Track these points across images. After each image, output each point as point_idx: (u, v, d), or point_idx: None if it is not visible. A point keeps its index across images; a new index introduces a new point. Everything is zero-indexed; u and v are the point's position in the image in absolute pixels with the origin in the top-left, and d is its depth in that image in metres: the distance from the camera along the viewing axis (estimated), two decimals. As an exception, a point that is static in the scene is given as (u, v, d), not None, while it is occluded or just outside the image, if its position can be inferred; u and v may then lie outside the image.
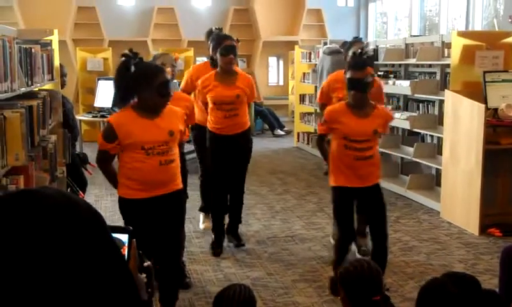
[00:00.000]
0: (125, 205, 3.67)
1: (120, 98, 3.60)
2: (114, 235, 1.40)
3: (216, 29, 5.61)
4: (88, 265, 0.94)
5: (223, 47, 5.12)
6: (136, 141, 3.52)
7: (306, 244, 5.74)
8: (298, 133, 11.80)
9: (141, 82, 3.51)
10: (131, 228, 1.42)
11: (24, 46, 3.95)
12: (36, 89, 4.51)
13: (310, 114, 11.27)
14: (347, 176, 4.33)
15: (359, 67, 4.24)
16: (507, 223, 5.94)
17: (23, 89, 3.76)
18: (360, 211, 4.75)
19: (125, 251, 1.38)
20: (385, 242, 4.45)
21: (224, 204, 5.49)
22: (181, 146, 4.12)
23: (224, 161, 5.31)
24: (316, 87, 10.20)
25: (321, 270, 5.03)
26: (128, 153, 3.58)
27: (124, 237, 1.42)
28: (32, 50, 4.15)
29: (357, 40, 5.59)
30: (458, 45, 6.45)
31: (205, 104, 5.30)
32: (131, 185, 3.60)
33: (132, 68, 3.54)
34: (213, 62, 5.41)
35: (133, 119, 3.54)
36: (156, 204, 3.63)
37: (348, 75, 4.26)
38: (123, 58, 3.59)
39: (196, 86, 5.38)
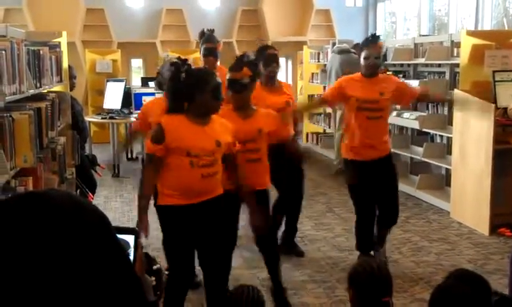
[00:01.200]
0: (164, 212, 3.59)
1: (175, 106, 3.58)
2: (120, 236, 1.40)
3: (207, 30, 5.68)
4: (93, 266, 0.94)
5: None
6: (183, 145, 3.47)
7: (316, 244, 5.73)
8: (307, 134, 11.79)
9: (195, 86, 3.50)
10: (137, 228, 1.42)
11: (33, 48, 3.97)
12: (45, 91, 4.52)
13: (318, 114, 11.25)
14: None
15: (236, 68, 4.14)
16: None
17: (31, 91, 3.77)
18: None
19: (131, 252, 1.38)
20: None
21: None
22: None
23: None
24: (325, 87, 10.20)
25: (330, 271, 5.02)
26: (173, 160, 3.50)
27: (130, 238, 1.41)
28: (41, 52, 4.16)
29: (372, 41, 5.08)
30: (467, 44, 6.42)
31: None
32: (171, 193, 3.54)
33: (183, 76, 3.54)
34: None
35: (183, 124, 3.51)
36: (197, 210, 3.55)
37: (227, 76, 4.18)
38: (173, 67, 3.62)
39: None
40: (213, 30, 5.70)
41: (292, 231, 5.55)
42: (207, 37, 5.59)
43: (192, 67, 3.71)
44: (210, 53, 5.47)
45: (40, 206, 0.94)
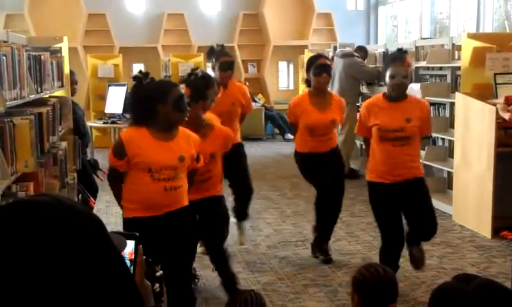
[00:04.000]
0: (129, 225, 3.52)
1: (136, 118, 3.54)
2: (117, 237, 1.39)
3: (217, 45, 5.60)
4: (87, 271, 0.93)
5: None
6: (144, 161, 3.43)
7: (317, 248, 5.71)
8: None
9: (156, 98, 3.44)
10: (137, 234, 1.41)
11: (34, 53, 3.97)
12: (46, 96, 4.53)
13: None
14: None
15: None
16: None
17: (32, 96, 3.78)
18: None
19: (127, 256, 1.38)
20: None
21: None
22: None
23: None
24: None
25: (332, 275, 5.01)
26: (134, 174, 3.49)
27: (130, 244, 1.41)
28: (42, 57, 4.17)
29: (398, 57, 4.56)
30: (468, 47, 6.42)
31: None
32: (134, 207, 3.51)
33: (145, 88, 3.51)
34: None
35: (145, 138, 3.45)
36: (161, 221, 3.51)
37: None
38: (135, 80, 3.56)
39: None
40: (223, 45, 5.66)
41: (327, 230, 5.36)
42: (222, 51, 5.48)
43: (156, 80, 3.62)
44: (230, 67, 5.38)
45: (30, 213, 0.94)
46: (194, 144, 3.65)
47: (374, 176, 4.42)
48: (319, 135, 5.09)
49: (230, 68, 5.37)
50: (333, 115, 5.07)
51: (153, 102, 3.44)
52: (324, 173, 5.14)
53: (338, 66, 8.72)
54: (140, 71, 3.60)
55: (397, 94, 4.32)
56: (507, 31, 11.24)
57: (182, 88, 3.75)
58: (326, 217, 5.26)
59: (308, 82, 5.28)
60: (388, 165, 4.34)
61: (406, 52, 4.46)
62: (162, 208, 3.50)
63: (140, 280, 1.34)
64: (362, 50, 9.31)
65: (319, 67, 5.00)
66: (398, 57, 4.38)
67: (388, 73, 4.30)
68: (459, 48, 6.94)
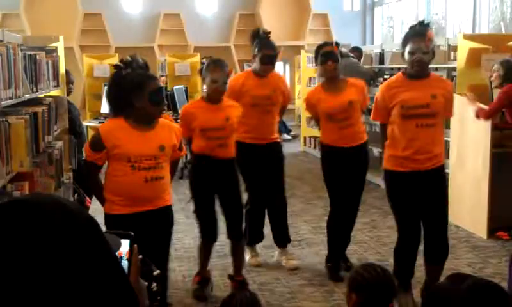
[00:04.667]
0: (110, 222, 3.48)
1: (113, 110, 3.52)
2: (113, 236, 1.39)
3: (263, 32, 5.12)
4: (82, 271, 0.93)
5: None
6: (123, 152, 3.39)
7: (313, 248, 5.72)
8: (305, 138, 11.79)
9: (132, 91, 3.39)
10: (132, 233, 1.41)
11: (29, 53, 3.96)
12: (42, 95, 4.52)
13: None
14: None
15: None
16: (515, 226, 5.91)
17: (28, 96, 3.77)
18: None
19: (124, 256, 1.37)
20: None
21: None
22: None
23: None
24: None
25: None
26: (113, 165, 3.46)
27: (125, 243, 1.40)
28: (37, 57, 4.15)
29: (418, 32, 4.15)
30: (464, 48, 6.43)
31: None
32: (116, 201, 3.47)
33: (123, 79, 3.47)
34: None
35: (123, 129, 3.42)
36: (142, 220, 3.44)
37: None
38: (115, 69, 3.53)
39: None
40: (270, 32, 5.17)
41: (343, 244, 5.12)
42: (268, 43, 5.06)
43: (138, 71, 3.51)
44: (271, 61, 5.05)
45: (25, 212, 0.94)
46: (175, 133, 3.63)
47: (393, 164, 4.11)
48: (339, 120, 4.76)
49: (272, 62, 5.06)
50: (349, 97, 4.76)
51: (129, 95, 3.41)
52: (343, 185, 4.88)
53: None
54: (121, 60, 3.54)
55: (417, 72, 4.00)
56: (503, 31, 11.27)
57: (162, 81, 3.75)
58: (339, 235, 5.04)
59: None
60: (410, 148, 4.01)
61: (428, 25, 4.13)
62: (144, 201, 3.45)
63: (135, 279, 1.34)
64: (357, 51, 9.32)
65: (323, 55, 4.84)
66: (418, 31, 4.04)
67: (407, 49, 4.00)
68: (455, 49, 6.95)
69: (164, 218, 3.62)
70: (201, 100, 4.47)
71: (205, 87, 4.37)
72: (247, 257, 5.16)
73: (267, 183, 5.13)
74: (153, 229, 3.51)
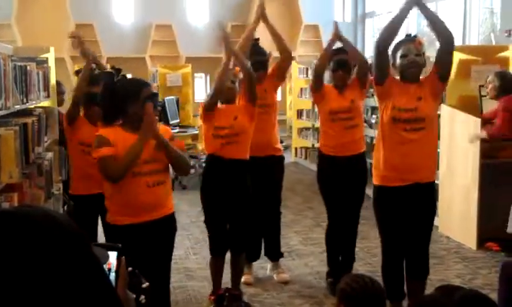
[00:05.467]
0: (113, 233, 3.47)
1: (108, 117, 3.49)
2: (101, 250, 1.39)
3: (254, 40, 5.15)
4: (69, 283, 0.93)
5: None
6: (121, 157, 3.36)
7: (303, 259, 5.72)
8: (296, 149, 11.82)
9: (127, 96, 3.40)
10: (120, 245, 1.41)
11: (19, 63, 3.95)
12: (32, 106, 4.51)
13: (307, 129, 11.28)
14: None
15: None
16: (505, 237, 5.92)
17: (17, 107, 3.76)
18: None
19: (111, 267, 1.37)
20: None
21: None
22: None
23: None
24: (314, 102, 10.22)
25: (318, 286, 5.01)
26: None
27: (113, 255, 1.41)
28: (28, 67, 4.15)
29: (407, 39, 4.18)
30: (454, 59, 6.45)
31: None
32: (118, 211, 3.44)
33: (116, 85, 3.47)
34: None
35: (119, 135, 3.40)
36: (147, 230, 3.43)
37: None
38: (105, 78, 3.54)
39: None
40: (258, 39, 5.22)
41: (350, 258, 5.04)
42: (257, 48, 5.07)
43: (128, 76, 3.59)
44: (262, 66, 5.00)
45: (11, 224, 0.94)
46: (164, 134, 3.57)
47: (382, 179, 4.02)
48: (341, 120, 4.70)
49: (263, 67, 5.01)
50: (350, 96, 4.73)
51: (124, 100, 3.41)
52: (342, 197, 4.84)
53: (325, 76, 8.76)
54: (112, 67, 3.55)
55: (413, 75, 3.94)
56: (493, 43, 11.35)
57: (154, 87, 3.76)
58: (339, 249, 4.98)
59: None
60: (400, 156, 3.92)
61: (415, 36, 4.09)
62: (148, 209, 3.41)
63: (122, 291, 1.34)
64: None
65: (336, 63, 4.77)
66: (407, 38, 4.06)
67: (398, 54, 3.96)
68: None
69: (168, 227, 3.60)
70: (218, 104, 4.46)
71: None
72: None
73: (263, 196, 5.02)
74: (158, 238, 3.51)
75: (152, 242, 3.49)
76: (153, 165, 3.42)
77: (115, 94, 3.43)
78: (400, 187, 3.95)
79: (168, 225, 3.59)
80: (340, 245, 4.95)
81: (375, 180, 4.10)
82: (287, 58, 5.26)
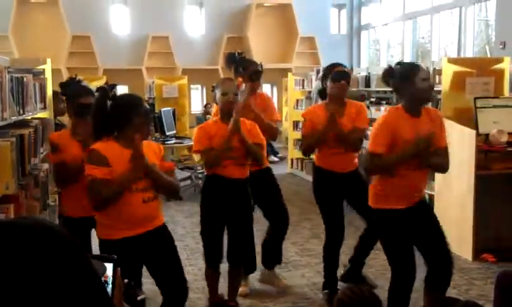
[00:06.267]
0: (108, 247, 3.46)
1: (100, 131, 3.50)
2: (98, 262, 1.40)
3: (238, 53, 5.15)
4: (66, 293, 0.94)
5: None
6: (118, 173, 3.38)
7: (300, 270, 5.72)
8: (292, 160, 11.83)
9: (130, 110, 3.44)
10: (115, 256, 1.42)
11: (16, 75, 3.96)
12: (29, 117, 4.51)
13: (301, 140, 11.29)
14: None
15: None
16: (500, 248, 5.94)
17: (14, 118, 3.76)
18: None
19: (109, 280, 1.38)
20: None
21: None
22: None
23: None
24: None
25: (314, 297, 5.01)
26: None
27: (109, 266, 1.41)
28: (25, 79, 4.16)
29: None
30: (449, 71, 6.50)
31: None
32: (113, 225, 3.45)
33: (110, 101, 3.48)
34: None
35: (115, 150, 3.41)
36: (141, 242, 3.48)
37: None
38: (100, 92, 3.54)
39: None
40: (243, 52, 5.28)
41: (360, 261, 5.12)
42: (250, 60, 5.17)
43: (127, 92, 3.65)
44: (258, 77, 5.07)
45: (7, 235, 0.94)
46: (154, 152, 3.64)
47: (387, 203, 3.93)
48: (338, 146, 4.68)
49: (258, 78, 5.07)
50: (349, 120, 4.68)
51: (129, 113, 3.45)
52: (340, 209, 4.86)
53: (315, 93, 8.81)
54: (106, 83, 3.59)
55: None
56: (488, 55, 11.41)
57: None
58: (336, 262, 4.96)
59: (322, 93, 4.93)
60: (409, 188, 3.88)
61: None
62: (142, 222, 3.47)
63: (118, 302, 1.34)
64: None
65: (338, 73, 4.76)
66: (418, 64, 3.99)
67: (419, 76, 3.80)
68: (439, 72, 7.03)
69: (162, 236, 3.63)
70: (217, 121, 4.36)
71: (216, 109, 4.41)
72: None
73: (264, 209, 5.10)
74: (153, 249, 3.56)
75: (148, 253, 3.56)
76: (147, 181, 3.47)
77: (111, 109, 3.46)
78: (405, 210, 3.91)
79: (161, 235, 3.64)
80: (338, 259, 4.94)
81: (379, 205, 3.99)
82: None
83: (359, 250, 5.13)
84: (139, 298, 3.49)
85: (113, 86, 3.55)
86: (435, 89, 7.13)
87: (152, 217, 3.55)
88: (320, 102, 5.08)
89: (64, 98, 4.17)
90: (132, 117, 3.45)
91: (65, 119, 5.44)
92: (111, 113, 3.47)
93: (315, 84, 9.14)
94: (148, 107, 3.60)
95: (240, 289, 4.94)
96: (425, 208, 4.08)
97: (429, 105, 4.21)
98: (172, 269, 3.65)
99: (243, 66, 4.97)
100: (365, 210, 4.49)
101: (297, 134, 11.57)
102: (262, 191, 4.98)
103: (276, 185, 5.21)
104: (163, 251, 3.63)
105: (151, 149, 3.63)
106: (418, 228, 3.96)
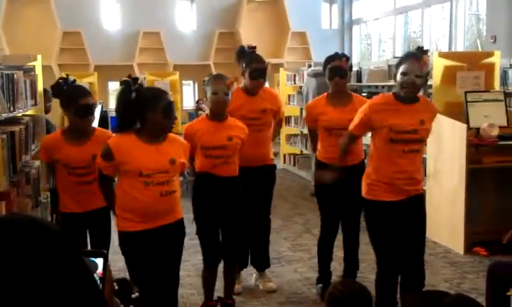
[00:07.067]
0: (126, 240, 3.53)
1: (123, 125, 3.52)
2: (91, 258, 1.40)
3: (248, 47, 4.97)
4: (58, 289, 0.94)
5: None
6: (134, 167, 3.40)
7: (293, 265, 5.73)
8: (284, 155, 11.84)
9: (146, 104, 3.44)
10: (106, 251, 1.42)
11: (6, 72, 3.96)
12: (19, 114, 4.50)
13: (295, 135, 11.31)
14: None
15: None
16: (492, 241, 5.97)
17: (5, 115, 3.76)
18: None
19: (102, 275, 1.38)
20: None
21: None
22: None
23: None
24: (302, 109, 10.27)
25: (307, 292, 5.02)
26: (126, 181, 3.47)
27: (99, 261, 1.41)
28: (15, 76, 4.15)
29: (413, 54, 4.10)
30: (440, 66, 6.52)
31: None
32: (130, 217, 3.48)
33: (133, 94, 3.47)
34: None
35: (134, 144, 3.44)
36: (157, 235, 3.51)
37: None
38: (122, 85, 3.52)
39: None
40: (255, 46, 5.01)
41: (353, 266, 4.96)
42: (256, 56, 4.92)
43: (144, 86, 3.67)
44: (262, 75, 4.87)
45: (1, 231, 0.95)
46: (184, 150, 3.64)
47: (375, 194, 3.98)
48: (338, 136, 4.53)
49: (262, 75, 4.88)
50: (352, 114, 4.34)
51: (143, 109, 3.44)
52: (335, 206, 4.77)
53: (310, 85, 8.82)
54: (129, 76, 3.58)
55: (406, 95, 3.88)
56: (480, 49, 11.45)
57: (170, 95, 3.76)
58: (330, 257, 4.94)
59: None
60: (393, 173, 3.91)
61: (426, 51, 3.98)
62: (157, 216, 3.49)
63: (108, 297, 1.35)
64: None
65: (331, 70, 4.70)
66: (414, 53, 3.96)
67: (400, 70, 3.88)
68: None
69: (178, 231, 3.67)
70: (205, 118, 4.36)
71: (207, 106, 4.37)
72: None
73: (254, 204, 4.95)
74: (168, 243, 3.59)
75: (163, 247, 3.58)
76: (166, 175, 3.48)
77: (132, 103, 3.46)
78: (395, 202, 3.94)
79: (178, 229, 3.67)
80: (331, 253, 4.93)
81: (368, 194, 4.05)
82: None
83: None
84: (133, 296, 3.48)
85: (136, 79, 3.53)
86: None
87: (170, 210, 3.56)
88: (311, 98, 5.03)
89: (59, 99, 4.12)
90: (147, 113, 3.44)
91: (52, 117, 5.41)
92: (131, 107, 3.48)
93: (306, 80, 9.15)
94: (170, 101, 3.55)
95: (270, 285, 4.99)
96: (417, 206, 4.07)
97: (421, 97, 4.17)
98: (170, 269, 3.67)
99: (246, 62, 4.85)
100: (354, 210, 4.67)
101: (290, 130, 11.59)
102: (256, 188, 4.93)
103: (270, 188, 5.13)
104: (170, 249, 3.64)
105: (181, 146, 3.64)
106: (403, 223, 3.99)
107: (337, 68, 4.70)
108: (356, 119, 4.11)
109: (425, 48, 4.06)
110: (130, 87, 3.49)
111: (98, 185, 3.69)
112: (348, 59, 4.83)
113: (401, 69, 3.87)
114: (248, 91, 4.88)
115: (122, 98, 3.52)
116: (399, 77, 3.88)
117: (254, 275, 5.27)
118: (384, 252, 4.03)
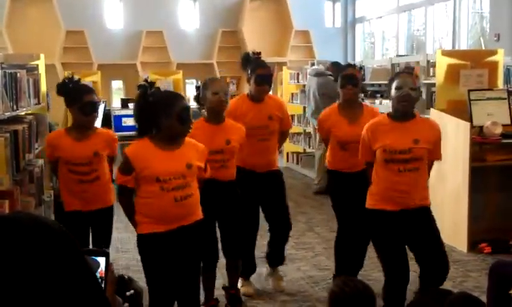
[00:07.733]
0: (144, 241, 3.53)
1: (141, 130, 3.52)
2: (93, 257, 1.40)
3: (253, 53, 5.00)
4: (60, 287, 0.94)
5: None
6: (151, 173, 3.39)
7: (296, 264, 5.73)
8: (287, 154, 11.83)
9: (160, 110, 3.41)
10: (108, 251, 1.42)
11: (10, 71, 3.96)
12: (23, 113, 4.51)
13: (298, 134, 11.30)
14: None
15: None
16: (495, 239, 5.96)
17: (8, 114, 3.76)
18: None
19: (102, 274, 1.38)
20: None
21: None
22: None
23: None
24: (305, 108, 10.27)
25: (311, 291, 5.02)
26: (143, 187, 3.47)
27: (101, 260, 1.42)
28: (18, 74, 4.16)
29: (405, 71, 4.47)
30: (443, 64, 6.51)
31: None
32: (147, 221, 3.49)
33: (150, 98, 3.46)
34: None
35: (149, 150, 3.43)
36: (175, 236, 3.50)
37: None
38: (140, 89, 3.52)
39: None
40: (260, 53, 5.05)
41: (356, 267, 4.92)
42: (261, 62, 4.89)
43: (162, 89, 3.62)
44: (267, 81, 4.80)
45: (5, 229, 0.95)
46: (200, 154, 3.61)
47: (377, 203, 4.00)
48: (352, 150, 4.48)
49: (268, 82, 4.82)
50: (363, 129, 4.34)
51: (157, 114, 3.43)
52: (352, 208, 4.66)
53: (312, 84, 8.82)
54: (146, 80, 3.58)
55: (404, 108, 3.90)
56: (483, 47, 11.42)
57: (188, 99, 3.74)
58: (349, 259, 4.87)
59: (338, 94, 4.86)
60: (393, 191, 3.93)
61: (413, 68, 4.03)
62: (174, 220, 3.47)
63: (111, 296, 1.35)
64: (336, 66, 9.37)
65: (344, 78, 4.68)
66: (404, 70, 3.98)
67: (393, 86, 3.92)
68: (434, 65, 7.03)
69: (197, 232, 3.63)
70: (202, 120, 4.33)
71: (204, 109, 4.34)
72: (239, 285, 4.89)
73: (268, 209, 4.99)
74: (187, 244, 3.56)
75: (182, 247, 3.55)
76: (182, 180, 3.46)
77: (148, 109, 3.45)
78: (396, 212, 3.95)
79: (197, 230, 3.63)
80: (350, 252, 4.86)
81: (370, 205, 4.06)
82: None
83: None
84: (127, 294, 3.46)
85: (153, 83, 3.53)
86: (429, 82, 7.18)
87: (186, 214, 3.53)
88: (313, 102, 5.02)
89: (64, 97, 4.16)
90: (162, 118, 3.43)
91: (55, 117, 5.43)
92: (148, 112, 3.46)
93: (308, 79, 9.15)
94: (187, 104, 3.51)
95: (244, 289, 4.93)
96: (424, 216, 4.05)
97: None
98: (190, 271, 3.67)
99: (251, 69, 4.81)
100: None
101: (293, 128, 11.57)
102: (267, 193, 4.92)
103: (281, 191, 5.09)
104: (189, 251, 3.61)
105: (198, 150, 3.61)
106: (412, 231, 3.99)
107: (350, 76, 4.70)
108: (360, 147, 4.14)
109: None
110: (147, 91, 3.48)
111: (118, 200, 3.65)
112: (361, 69, 4.81)
113: (395, 84, 3.91)
114: (253, 98, 4.83)
115: (138, 103, 3.53)
116: (393, 92, 3.91)
117: (265, 270, 5.25)
118: (390, 261, 4.03)
